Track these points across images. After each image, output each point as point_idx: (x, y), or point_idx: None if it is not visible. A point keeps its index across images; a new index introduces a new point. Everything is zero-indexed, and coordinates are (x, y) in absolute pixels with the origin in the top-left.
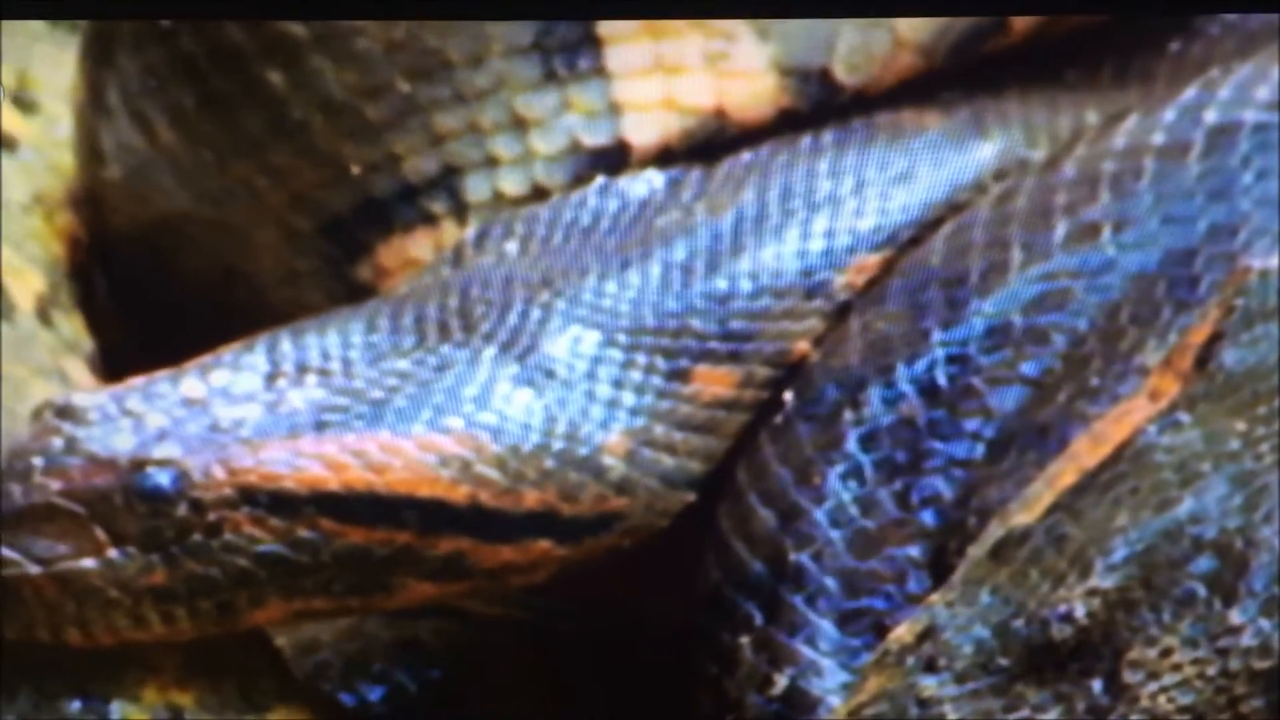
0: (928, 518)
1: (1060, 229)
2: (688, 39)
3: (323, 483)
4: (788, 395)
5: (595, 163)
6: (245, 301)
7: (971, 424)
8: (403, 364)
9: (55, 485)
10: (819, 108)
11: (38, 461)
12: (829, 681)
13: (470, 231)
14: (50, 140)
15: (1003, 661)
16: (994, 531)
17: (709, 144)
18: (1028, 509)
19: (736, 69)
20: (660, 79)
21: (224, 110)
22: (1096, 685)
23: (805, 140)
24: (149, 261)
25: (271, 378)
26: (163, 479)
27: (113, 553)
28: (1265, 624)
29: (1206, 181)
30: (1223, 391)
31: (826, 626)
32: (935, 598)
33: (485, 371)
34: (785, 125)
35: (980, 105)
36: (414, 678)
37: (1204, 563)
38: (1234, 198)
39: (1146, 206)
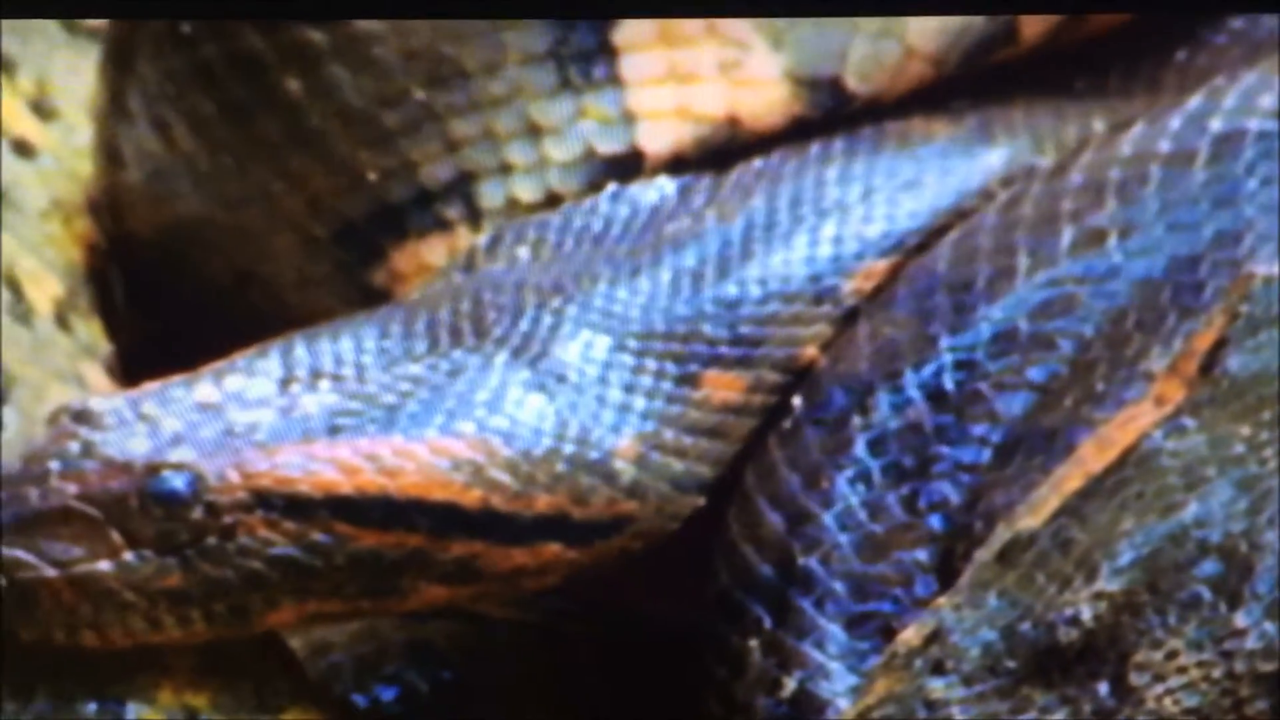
0: (935, 522)
1: (1067, 235)
2: (702, 48)
3: (336, 486)
4: (796, 400)
5: (609, 170)
6: (261, 305)
7: (978, 429)
8: (415, 369)
9: (72, 489)
10: (830, 116)
11: (54, 465)
12: (837, 684)
13: (483, 238)
14: (69, 147)
15: (1010, 664)
16: (1001, 535)
17: (721, 151)
18: (1034, 513)
19: (749, 78)
20: (674, 87)
21: (243, 116)
22: (1102, 688)
23: (814, 148)
24: (167, 265)
25: (285, 382)
26: (178, 483)
27: (128, 556)
28: (1270, 627)
29: (1211, 189)
30: (1227, 397)
31: (835, 630)
32: (943, 601)
33: (497, 376)
34: (796, 133)
35: (988, 113)
36: (425, 679)
37: (1209, 566)
38: (1238, 205)
39: (1152, 213)
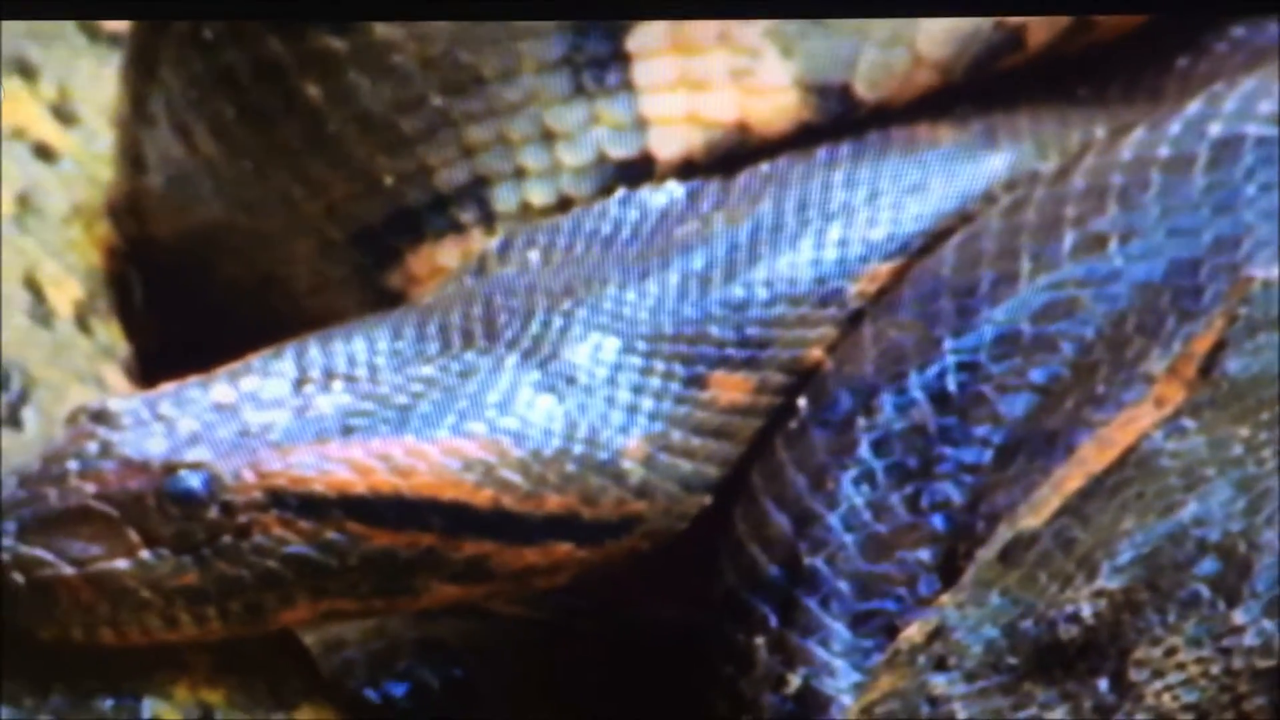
0: (938, 522)
1: (1069, 239)
2: (713, 55)
3: (350, 486)
4: (802, 401)
5: (620, 174)
6: (279, 308)
7: (981, 430)
8: (427, 370)
9: (90, 488)
10: (838, 122)
11: (73, 465)
12: (842, 681)
13: (494, 242)
14: (90, 153)
15: (1011, 661)
16: (1003, 535)
17: (730, 156)
18: (1036, 513)
19: (760, 85)
20: (686, 94)
21: (263, 122)
22: (1103, 684)
23: (821, 152)
24: (187, 268)
25: (299, 383)
26: (194, 482)
27: (145, 554)
28: (1268, 624)
29: (1211, 194)
30: (1226, 399)
31: (839, 628)
32: (945, 599)
33: (508, 378)
34: (805, 138)
35: (993, 119)
36: (437, 675)
37: (1208, 565)
38: (1238, 210)
39: (1153, 218)
